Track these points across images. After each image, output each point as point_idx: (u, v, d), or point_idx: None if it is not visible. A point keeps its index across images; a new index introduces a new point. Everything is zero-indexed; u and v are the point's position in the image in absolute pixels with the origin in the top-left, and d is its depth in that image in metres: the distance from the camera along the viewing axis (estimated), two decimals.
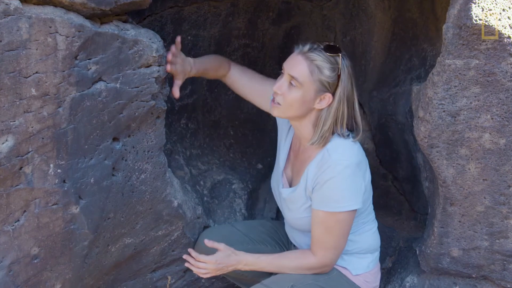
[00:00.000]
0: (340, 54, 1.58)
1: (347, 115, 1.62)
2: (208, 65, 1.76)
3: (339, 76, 1.58)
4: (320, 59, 1.56)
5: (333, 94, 1.59)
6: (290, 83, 1.58)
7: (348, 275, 1.73)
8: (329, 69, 1.57)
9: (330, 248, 1.64)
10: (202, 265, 1.71)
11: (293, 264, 1.69)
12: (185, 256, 1.78)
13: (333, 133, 1.63)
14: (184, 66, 1.65)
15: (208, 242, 1.72)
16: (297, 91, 1.58)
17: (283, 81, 1.60)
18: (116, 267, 1.76)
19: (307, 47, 1.59)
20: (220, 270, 1.71)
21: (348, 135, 1.63)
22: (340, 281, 1.71)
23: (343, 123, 1.62)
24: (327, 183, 1.58)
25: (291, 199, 1.73)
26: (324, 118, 1.60)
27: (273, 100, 1.64)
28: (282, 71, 1.62)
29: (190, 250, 1.80)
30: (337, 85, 1.58)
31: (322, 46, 1.59)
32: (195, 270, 1.75)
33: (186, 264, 1.78)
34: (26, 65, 1.30)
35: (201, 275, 1.76)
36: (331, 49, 1.58)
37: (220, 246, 1.71)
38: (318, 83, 1.57)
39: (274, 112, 1.65)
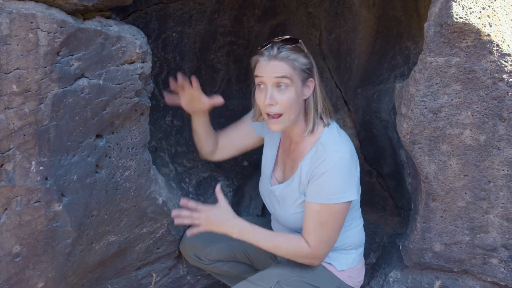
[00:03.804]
0: (300, 41, 1.64)
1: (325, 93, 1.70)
2: (205, 120, 1.83)
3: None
4: (291, 53, 1.59)
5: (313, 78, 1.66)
6: (278, 87, 1.58)
7: (333, 271, 1.74)
8: (303, 56, 1.62)
9: (322, 241, 1.64)
10: (196, 214, 1.63)
11: (290, 245, 1.65)
12: (174, 213, 1.66)
13: (324, 126, 1.67)
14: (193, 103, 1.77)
15: (218, 190, 1.65)
16: (290, 89, 1.59)
17: (270, 90, 1.58)
18: (101, 265, 1.74)
19: (274, 51, 1.59)
20: (211, 224, 1.63)
21: (329, 124, 1.67)
22: (325, 276, 1.72)
23: (328, 105, 1.69)
24: (324, 175, 1.59)
25: (283, 195, 1.73)
26: (313, 103, 1.65)
27: (269, 116, 1.61)
28: (259, 84, 1.61)
29: (184, 200, 1.67)
30: (312, 69, 1.65)
31: (282, 44, 1.60)
32: (186, 221, 1.65)
33: (173, 214, 1.66)
34: (6, 61, 1.28)
35: (193, 223, 1.65)
36: (291, 41, 1.62)
37: (222, 200, 1.64)
38: (301, 72, 1.61)
39: (275, 127, 1.61)
